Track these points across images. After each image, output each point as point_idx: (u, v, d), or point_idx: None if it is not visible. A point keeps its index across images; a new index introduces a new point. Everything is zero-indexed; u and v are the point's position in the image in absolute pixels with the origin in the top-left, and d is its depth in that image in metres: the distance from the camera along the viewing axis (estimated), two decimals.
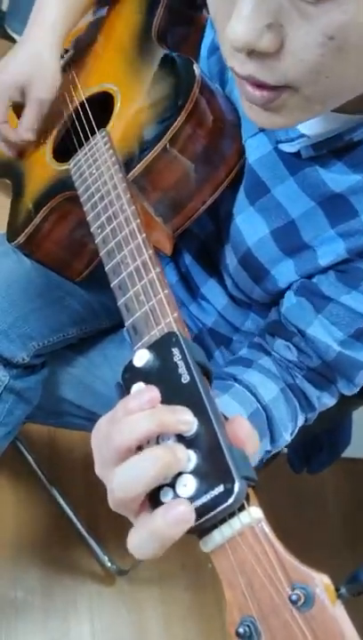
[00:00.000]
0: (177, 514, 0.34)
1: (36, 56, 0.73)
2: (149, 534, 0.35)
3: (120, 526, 1.29)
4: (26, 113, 0.74)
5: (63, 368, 0.84)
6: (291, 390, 0.64)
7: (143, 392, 0.38)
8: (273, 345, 0.65)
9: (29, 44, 0.73)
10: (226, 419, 0.38)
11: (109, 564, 1.17)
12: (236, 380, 0.62)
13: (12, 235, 0.74)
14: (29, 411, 0.79)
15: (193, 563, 1.20)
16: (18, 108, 0.76)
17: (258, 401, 0.60)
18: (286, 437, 0.63)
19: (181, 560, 1.23)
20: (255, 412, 0.59)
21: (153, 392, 0.38)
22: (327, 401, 0.66)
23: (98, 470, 0.39)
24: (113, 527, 1.22)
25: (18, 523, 1.19)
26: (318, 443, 0.70)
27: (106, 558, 1.17)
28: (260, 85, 0.45)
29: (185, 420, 0.37)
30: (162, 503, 0.36)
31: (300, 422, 0.65)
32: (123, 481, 0.35)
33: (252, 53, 0.42)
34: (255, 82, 0.44)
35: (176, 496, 0.35)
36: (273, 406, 0.61)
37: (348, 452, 0.95)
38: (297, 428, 0.65)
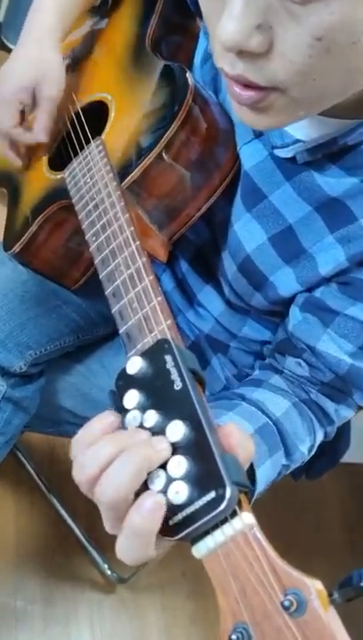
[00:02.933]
0: (149, 505, 0.35)
1: (39, 57, 0.72)
2: (131, 533, 0.36)
3: None
4: (39, 113, 0.72)
5: (61, 376, 0.85)
6: (306, 405, 0.64)
7: (100, 420, 0.39)
8: (284, 363, 0.65)
9: (28, 48, 0.73)
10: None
11: (109, 573, 1.17)
12: (244, 399, 0.62)
13: (8, 243, 0.74)
14: (27, 420, 0.79)
15: (194, 570, 1.20)
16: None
17: (267, 416, 0.60)
18: (304, 451, 0.62)
19: (182, 567, 1.22)
20: (263, 426, 0.59)
21: (109, 418, 0.39)
22: (345, 413, 0.66)
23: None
24: (113, 535, 1.21)
25: (18, 531, 1.19)
26: (316, 448, 0.70)
27: (106, 566, 1.17)
28: (248, 86, 0.45)
29: (141, 439, 0.37)
30: None
31: (319, 436, 0.65)
32: (107, 487, 0.36)
33: (242, 53, 0.43)
34: (244, 82, 0.45)
35: (169, 503, 0.35)
36: (285, 420, 0.61)
37: (347, 457, 0.95)
38: (317, 444, 0.65)
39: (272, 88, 0.45)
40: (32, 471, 1.23)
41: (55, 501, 1.20)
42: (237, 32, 0.41)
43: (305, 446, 0.63)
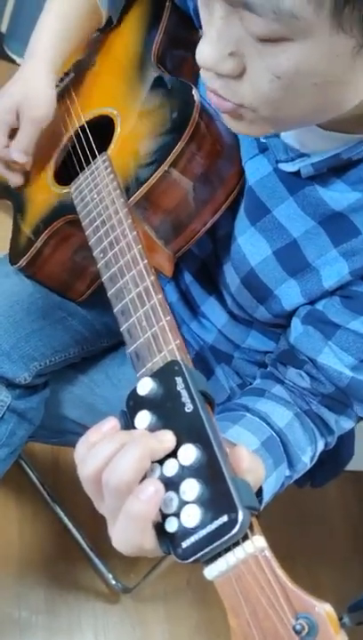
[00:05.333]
0: (150, 492, 0.36)
1: (27, 81, 0.73)
2: (131, 519, 0.37)
3: None
4: (18, 133, 0.74)
5: (65, 387, 0.85)
6: (307, 416, 0.64)
7: (103, 424, 0.41)
8: (285, 374, 0.66)
9: (21, 74, 0.75)
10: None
11: (114, 582, 1.17)
12: (248, 409, 0.62)
13: (14, 257, 0.74)
14: (32, 430, 0.79)
15: (198, 579, 1.19)
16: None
17: (271, 428, 0.61)
18: (306, 461, 0.63)
19: (186, 576, 1.22)
20: (269, 438, 0.60)
21: (112, 422, 0.41)
22: (346, 424, 0.66)
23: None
24: None
25: (22, 541, 1.18)
26: (320, 456, 0.70)
27: (110, 576, 1.17)
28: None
29: (142, 433, 0.39)
30: (168, 533, 0.36)
31: (320, 447, 0.65)
32: (111, 473, 0.37)
33: (217, 74, 0.47)
34: (219, 96, 0.49)
35: (181, 526, 0.36)
36: (288, 431, 0.61)
37: (351, 465, 0.95)
38: (317, 453, 0.65)
39: (242, 105, 0.48)
40: (36, 481, 1.23)
41: (59, 511, 1.20)
42: (211, 57, 0.46)
43: (307, 456, 0.63)
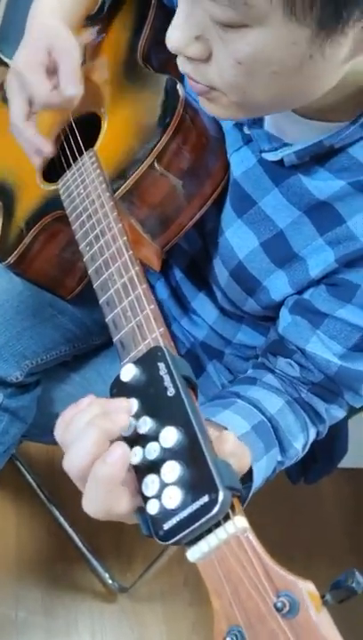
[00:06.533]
0: (117, 454, 0.38)
1: (48, 27, 0.69)
2: (98, 481, 0.38)
3: (120, 543, 1.27)
4: (61, 69, 0.67)
5: (57, 385, 0.85)
6: (298, 404, 0.64)
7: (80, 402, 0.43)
8: (276, 363, 0.66)
9: (34, 28, 0.70)
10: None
11: (111, 582, 1.17)
12: (239, 396, 0.62)
13: (3, 255, 0.75)
14: (24, 429, 0.79)
15: (195, 578, 1.19)
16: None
17: (262, 414, 0.61)
18: (298, 447, 0.63)
19: (183, 575, 1.22)
20: (260, 423, 0.60)
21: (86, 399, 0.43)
22: (336, 413, 0.67)
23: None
24: (113, 544, 1.22)
25: (19, 542, 1.18)
26: (314, 452, 0.70)
27: (107, 575, 1.17)
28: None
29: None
30: (149, 515, 0.37)
31: (312, 435, 0.65)
32: (69, 459, 0.39)
33: (187, 57, 0.49)
34: (191, 79, 0.51)
35: (162, 507, 0.36)
36: (279, 417, 0.62)
37: (345, 462, 0.96)
38: (310, 441, 0.65)
39: (213, 88, 0.50)
40: (33, 482, 1.23)
41: (56, 512, 1.20)
42: (178, 40, 0.47)
43: (299, 443, 0.63)
